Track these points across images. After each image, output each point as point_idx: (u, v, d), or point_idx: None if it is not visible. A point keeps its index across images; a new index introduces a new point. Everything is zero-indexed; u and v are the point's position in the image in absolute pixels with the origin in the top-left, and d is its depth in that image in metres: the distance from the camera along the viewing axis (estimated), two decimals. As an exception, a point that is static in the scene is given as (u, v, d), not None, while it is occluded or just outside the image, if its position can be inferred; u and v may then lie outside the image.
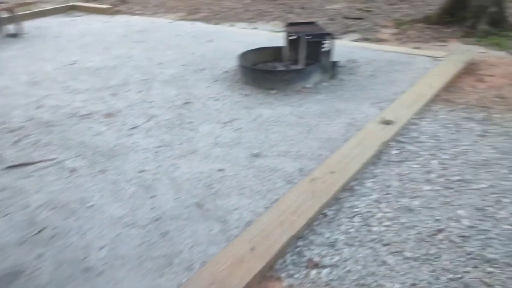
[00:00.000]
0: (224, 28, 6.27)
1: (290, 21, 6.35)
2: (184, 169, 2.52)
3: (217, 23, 6.83)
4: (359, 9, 7.04)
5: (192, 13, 7.68)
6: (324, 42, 3.59)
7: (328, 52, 3.68)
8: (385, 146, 2.67)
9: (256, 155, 2.65)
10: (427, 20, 5.93)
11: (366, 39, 5.36)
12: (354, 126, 2.95)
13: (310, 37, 3.54)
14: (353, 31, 5.77)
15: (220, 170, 2.50)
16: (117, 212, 2.14)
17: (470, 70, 3.98)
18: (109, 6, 8.07)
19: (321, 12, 7.03)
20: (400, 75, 3.86)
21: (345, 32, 5.75)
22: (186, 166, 2.55)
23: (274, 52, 4.31)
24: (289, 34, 3.79)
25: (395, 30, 5.73)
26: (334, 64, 3.81)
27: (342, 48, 4.79)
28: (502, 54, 4.61)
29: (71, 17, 7.39)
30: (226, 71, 4.19)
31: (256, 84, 3.72)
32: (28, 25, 6.71)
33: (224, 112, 3.30)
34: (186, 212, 2.13)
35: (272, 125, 3.05)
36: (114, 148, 2.79)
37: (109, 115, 3.31)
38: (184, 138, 2.91)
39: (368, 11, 6.90)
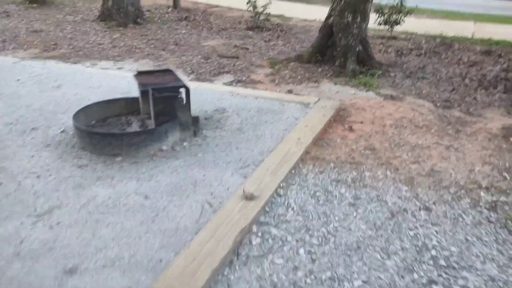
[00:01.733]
0: (81, 69, 5.38)
1: (154, 64, 5.76)
2: None
3: (75, 62, 5.89)
4: (235, 46, 6.77)
5: (48, 50, 6.59)
6: (179, 96, 3.03)
7: (185, 106, 3.13)
8: (246, 233, 2.16)
9: (71, 271, 1.90)
10: (300, 59, 5.86)
11: (239, 81, 5.00)
12: (210, 206, 2.39)
13: (157, 92, 2.95)
14: (227, 72, 5.39)
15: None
16: None
17: (340, 117, 3.81)
18: None
19: (196, 49, 6.58)
20: (268, 127, 3.49)
21: (219, 73, 5.34)
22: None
23: (129, 104, 3.62)
24: (139, 85, 3.16)
25: (269, 70, 5.51)
26: (195, 119, 3.27)
27: (212, 94, 4.32)
28: (371, 94, 4.63)
29: None
30: (64, 131, 3.35)
31: (97, 151, 2.97)
32: None
33: (44, 196, 2.48)
34: None
35: (107, 212, 2.34)
36: None
37: None
38: (-30, 250, 2.02)
39: (244, 48, 6.67)
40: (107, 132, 3.01)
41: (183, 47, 6.73)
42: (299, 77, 5.25)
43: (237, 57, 6.05)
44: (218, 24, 8.82)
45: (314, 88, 4.82)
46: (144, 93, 3.25)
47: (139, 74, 3.39)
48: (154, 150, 3.02)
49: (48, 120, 3.59)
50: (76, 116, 3.21)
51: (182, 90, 3.08)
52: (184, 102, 3.10)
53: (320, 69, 5.55)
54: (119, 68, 5.55)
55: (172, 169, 2.81)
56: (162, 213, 2.32)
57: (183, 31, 7.98)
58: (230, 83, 4.91)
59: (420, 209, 2.44)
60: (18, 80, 4.80)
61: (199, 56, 6.14)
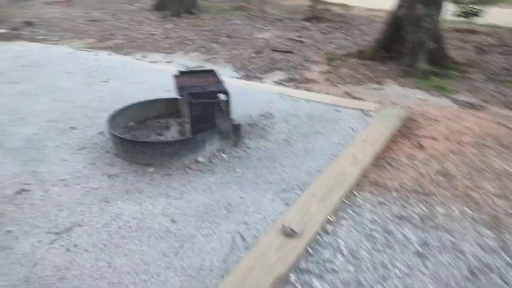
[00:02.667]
0: (130, 62, 5.26)
1: (204, 58, 5.47)
2: None
3: (127, 54, 5.81)
4: (290, 39, 6.31)
5: (103, 40, 6.61)
6: (218, 102, 2.70)
7: (225, 113, 2.79)
8: (281, 282, 1.79)
9: (77, 313, 1.66)
10: (362, 55, 5.27)
11: (291, 80, 4.57)
12: (243, 240, 2.04)
13: (194, 97, 2.63)
14: (279, 69, 4.97)
15: None
16: None
17: (406, 130, 3.25)
18: (4, 31, 6.81)
19: (248, 42, 6.22)
20: (320, 140, 3.04)
21: (270, 70, 4.94)
22: None
23: (170, 105, 3.37)
24: (177, 89, 2.86)
25: (325, 67, 5.01)
26: (236, 127, 2.92)
27: (260, 95, 3.94)
28: (445, 101, 3.98)
29: None
30: (102, 132, 3.17)
31: (129, 158, 2.74)
32: None
33: (68, 209, 2.28)
34: None
35: (129, 237, 2.08)
36: None
37: None
38: (-19, 271, 1.87)
39: (300, 41, 6.18)
40: (139, 140, 2.76)
41: (235, 39, 6.40)
42: (359, 76, 4.70)
43: (291, 52, 5.60)
44: (273, 14, 8.38)
45: (377, 90, 4.26)
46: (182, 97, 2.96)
47: (180, 74, 3.10)
48: (189, 161, 2.73)
49: (89, 119, 3.45)
50: (114, 117, 3.01)
51: (222, 95, 2.73)
52: (224, 108, 2.76)
53: (384, 68, 4.94)
54: (169, 62, 5.36)
55: (206, 186, 2.49)
56: (187, 244, 2.02)
57: (237, 22, 7.65)
58: (280, 82, 4.50)
59: (509, 267, 1.90)
60: (69, 72, 4.77)
61: (251, 49, 5.77)
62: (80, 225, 2.17)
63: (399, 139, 3.10)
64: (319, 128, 3.22)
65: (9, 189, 2.47)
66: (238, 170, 2.65)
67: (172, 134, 3.09)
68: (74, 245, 2.03)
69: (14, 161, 2.79)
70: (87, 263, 1.92)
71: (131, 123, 3.26)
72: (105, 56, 5.57)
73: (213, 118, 2.77)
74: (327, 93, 4.12)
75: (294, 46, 5.91)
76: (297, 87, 4.31)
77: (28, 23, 7.64)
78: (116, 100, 3.83)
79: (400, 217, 2.22)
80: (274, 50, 5.68)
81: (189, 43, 6.32)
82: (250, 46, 5.94)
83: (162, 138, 2.99)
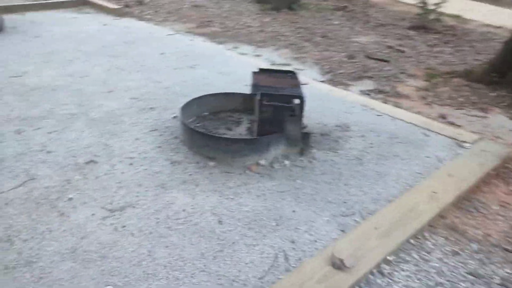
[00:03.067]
0: (221, 51, 5.34)
1: (293, 55, 5.30)
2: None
3: (220, 43, 5.92)
4: (389, 47, 5.85)
5: (202, 26, 6.83)
6: (291, 106, 2.54)
7: (297, 119, 2.63)
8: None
9: (106, 295, 1.67)
10: (468, 76, 4.66)
11: (380, 92, 4.21)
12: (286, 259, 1.88)
13: (266, 98, 2.50)
14: (370, 77, 4.62)
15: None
16: None
17: (505, 171, 2.76)
18: (120, 7, 7.42)
19: (343, 45, 5.91)
20: (397, 164, 2.72)
21: (359, 77, 4.62)
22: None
23: (246, 100, 3.31)
24: (252, 86, 2.77)
25: (423, 83, 4.53)
26: (305, 136, 2.74)
27: (341, 103, 3.69)
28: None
29: (77, 14, 6.79)
30: (176, 117, 3.24)
31: (194, 148, 2.73)
32: (22, 18, 6.27)
33: (126, 188, 2.34)
34: None
35: (174, 229, 2.06)
36: None
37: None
38: (40, 230, 1.99)
39: (399, 50, 5.70)
40: (205, 132, 2.73)
41: (330, 40, 6.13)
42: (461, 99, 4.15)
43: (387, 61, 5.18)
44: (376, 18, 7.87)
45: (479, 118, 3.72)
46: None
47: (259, 72, 3.01)
48: (250, 162, 2.63)
49: (168, 101, 3.55)
50: (189, 105, 3.04)
51: (297, 100, 2.57)
52: (296, 113, 2.60)
53: (493, 94, 4.30)
54: (257, 56, 5.33)
55: (261, 191, 2.37)
56: (228, 250, 1.92)
57: (336, 22, 7.34)
58: (367, 93, 4.17)
59: None
60: (163, 54, 5.00)
61: (344, 53, 5.47)
62: (133, 207, 2.21)
63: (494, 181, 2.63)
64: (399, 150, 2.89)
65: (81, 157, 2.63)
66: (298, 181, 2.48)
67: (240, 130, 3.02)
68: (123, 226, 2.07)
69: (91, 130, 2.97)
70: (130, 247, 1.94)
71: (205, 113, 3.27)
72: (199, 43, 5.74)
73: (282, 122, 2.63)
74: (418, 112, 3.71)
75: (392, 55, 5.46)
76: (385, 101, 3.95)
77: (140, 2, 8.22)
78: (197, 87, 3.90)
79: (477, 275, 1.87)
80: (368, 57, 5.31)
81: (282, 38, 6.22)
82: (344, 50, 5.64)
83: (228, 134, 2.94)
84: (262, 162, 2.64)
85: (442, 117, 3.72)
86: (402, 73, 4.84)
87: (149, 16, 7.25)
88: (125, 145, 2.80)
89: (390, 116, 3.45)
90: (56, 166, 2.52)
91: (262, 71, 3.04)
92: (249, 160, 2.64)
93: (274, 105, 2.53)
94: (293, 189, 2.41)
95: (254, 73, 2.95)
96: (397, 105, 3.86)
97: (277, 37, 6.31)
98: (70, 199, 2.24)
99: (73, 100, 3.46)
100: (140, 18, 7.04)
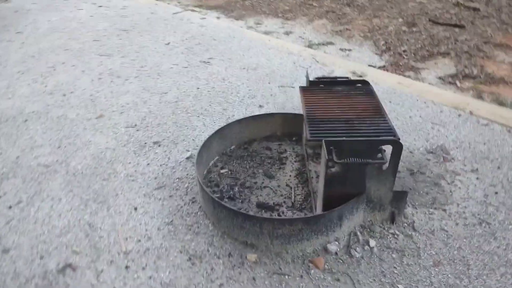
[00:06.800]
0: (240, 32, 4.20)
1: (332, 28, 4.13)
2: None
3: (238, 17, 4.77)
4: (457, 5, 4.50)
5: (214, -4, 5.63)
6: (381, 161, 1.50)
7: (387, 174, 1.58)
8: None
9: None
10: None
11: (466, 76, 3.04)
12: None
13: (336, 150, 1.46)
14: (444, 54, 3.42)
15: None
16: None
17: None
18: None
19: (396, 6, 4.61)
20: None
21: (430, 55, 3.42)
22: None
23: (287, 122, 2.28)
24: (308, 124, 1.71)
25: (522, 58, 3.30)
26: (399, 196, 1.70)
27: (421, 106, 2.58)
28: None
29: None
30: (191, 157, 2.25)
31: (223, 228, 1.76)
32: (6, 6, 5.39)
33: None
34: None
35: None
36: None
37: None
38: None
39: (473, 8, 4.36)
40: (235, 210, 1.72)
41: (377, 2, 4.83)
42: None
43: (462, 26, 3.91)
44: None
45: None
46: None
47: (310, 86, 1.93)
48: (314, 247, 1.65)
49: (178, 127, 2.55)
50: (206, 145, 2.04)
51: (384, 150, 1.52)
52: (387, 165, 1.55)
53: None
54: (287, 33, 4.17)
55: (343, 319, 1.40)
56: None
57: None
58: (449, 80, 3.01)
59: None
60: (168, 44, 3.93)
61: (400, 19, 4.22)
62: None
63: None
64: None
65: (52, 259, 1.69)
66: (400, 286, 1.48)
67: (286, 177, 2.01)
68: None
69: (71, 197, 2.02)
70: None
71: (232, 147, 2.27)
72: (212, 21, 4.60)
73: (363, 179, 1.60)
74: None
75: (464, 16, 4.16)
76: (478, 92, 2.80)
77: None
78: (215, 98, 2.87)
79: None
80: (434, 22, 4.04)
81: (314, 4, 4.97)
82: (398, 13, 4.36)
83: (272, 189, 1.93)
84: (333, 247, 1.65)
85: None
86: (485, 42, 3.60)
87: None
88: (117, 224, 1.85)
89: (501, 125, 2.33)
90: (14, 282, 1.62)
91: (314, 84, 1.96)
92: (311, 245, 1.65)
93: (351, 164, 1.49)
94: (395, 305, 1.43)
95: (304, 90, 1.88)
96: (497, 100, 2.71)
97: (307, 3, 5.06)
98: None
99: (50, 137, 2.51)
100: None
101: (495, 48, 3.47)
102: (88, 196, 2.02)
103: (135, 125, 2.61)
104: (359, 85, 1.94)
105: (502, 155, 2.11)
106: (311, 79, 1.99)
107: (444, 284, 1.49)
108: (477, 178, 1.96)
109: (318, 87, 1.95)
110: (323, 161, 1.55)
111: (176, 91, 3.02)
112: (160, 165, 2.22)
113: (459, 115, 2.47)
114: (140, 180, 2.11)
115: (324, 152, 1.50)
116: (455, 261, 1.57)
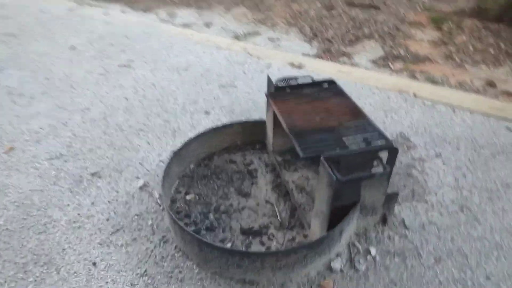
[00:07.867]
0: (155, 27, 3.79)
1: (254, 16, 3.96)
2: None
3: (146, 10, 4.33)
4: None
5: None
6: (385, 172, 1.40)
7: (382, 181, 1.50)
8: None
9: None
10: (483, 15, 3.74)
11: (395, 57, 3.15)
12: None
13: (334, 167, 1.33)
14: (368, 36, 3.50)
15: None
16: None
17: None
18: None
19: (307, -10, 4.61)
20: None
21: (356, 38, 3.48)
22: None
23: (246, 130, 2.07)
24: (293, 139, 1.53)
25: (434, 34, 3.53)
26: (390, 197, 1.64)
27: (368, 93, 2.58)
28: None
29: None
30: (145, 186, 1.91)
31: (214, 269, 1.51)
32: None
33: None
34: None
35: None
36: None
37: None
38: None
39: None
40: (229, 249, 1.47)
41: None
42: (490, 49, 3.26)
43: (377, 7, 4.05)
44: None
45: (532, 78, 2.87)
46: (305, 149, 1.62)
47: (276, 92, 1.75)
48: (317, 269, 1.51)
49: (116, 151, 2.16)
50: (168, 169, 1.74)
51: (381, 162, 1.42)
52: (385, 174, 1.46)
53: (521, 35, 3.47)
54: (207, 25, 3.88)
55: None
56: None
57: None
58: (381, 62, 3.08)
59: None
60: (72, 48, 3.36)
61: (318, 3, 4.22)
62: None
63: None
64: (503, 173, 1.93)
65: None
66: (406, 280, 1.43)
67: (262, 189, 1.83)
68: None
69: (0, 267, 1.57)
70: None
71: (190, 166, 1.99)
72: (118, 16, 4.08)
73: (358, 189, 1.49)
74: (460, 84, 2.75)
75: (375, -3, 4.33)
76: (411, 72, 2.91)
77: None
78: (150, 108, 2.51)
79: None
80: (349, 4, 4.13)
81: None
82: (313, -3, 4.36)
83: (255, 213, 1.72)
84: (337, 265, 1.52)
85: (490, 84, 2.81)
86: (401, 22, 3.78)
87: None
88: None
89: (445, 105, 2.44)
90: None
91: (280, 90, 1.77)
92: (314, 267, 1.50)
93: (352, 179, 1.36)
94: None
95: (273, 97, 1.68)
96: (429, 79, 2.85)
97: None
98: None
99: None
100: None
101: (411, 27, 3.67)
102: (25, 259, 1.59)
103: (61, 154, 2.14)
104: (326, 85, 1.82)
105: (456, 136, 2.20)
106: (274, 82, 1.80)
107: (452, 280, 1.48)
108: (444, 163, 2.01)
109: (285, 92, 1.77)
110: (326, 180, 1.39)
111: (100, 105, 2.57)
112: (109, 202, 1.84)
113: (406, 100, 2.53)
114: (89, 226, 1.73)
115: (326, 170, 1.34)
116: (453, 253, 1.58)
